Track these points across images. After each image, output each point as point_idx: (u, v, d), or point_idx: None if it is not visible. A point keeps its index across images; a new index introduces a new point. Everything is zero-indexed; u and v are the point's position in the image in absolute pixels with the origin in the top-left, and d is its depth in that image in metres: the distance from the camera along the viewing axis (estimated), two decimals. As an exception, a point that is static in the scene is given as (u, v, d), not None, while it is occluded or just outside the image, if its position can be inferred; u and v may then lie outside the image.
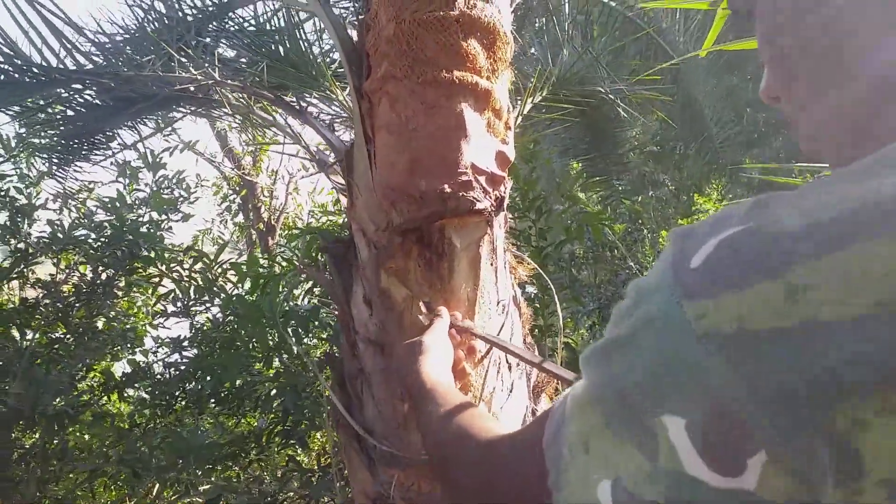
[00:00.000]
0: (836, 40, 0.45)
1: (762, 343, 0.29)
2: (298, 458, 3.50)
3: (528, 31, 2.58)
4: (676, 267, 0.34)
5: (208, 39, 2.38)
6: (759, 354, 0.29)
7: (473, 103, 1.25)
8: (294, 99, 1.74)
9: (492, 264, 1.33)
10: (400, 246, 1.28)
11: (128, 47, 2.30)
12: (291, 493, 3.47)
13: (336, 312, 1.47)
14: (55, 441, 3.25)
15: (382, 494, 1.21)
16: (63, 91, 2.24)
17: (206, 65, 1.81)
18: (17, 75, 2.13)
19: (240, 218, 6.20)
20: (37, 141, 3.34)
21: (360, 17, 1.39)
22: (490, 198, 1.28)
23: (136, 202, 3.62)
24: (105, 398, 3.73)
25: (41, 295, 3.65)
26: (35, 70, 2.07)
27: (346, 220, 3.18)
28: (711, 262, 0.33)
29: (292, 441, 3.39)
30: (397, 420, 1.25)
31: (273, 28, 2.29)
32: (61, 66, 2.08)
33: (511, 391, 1.28)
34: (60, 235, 3.49)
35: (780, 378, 0.29)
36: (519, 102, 1.78)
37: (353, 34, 1.43)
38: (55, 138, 2.95)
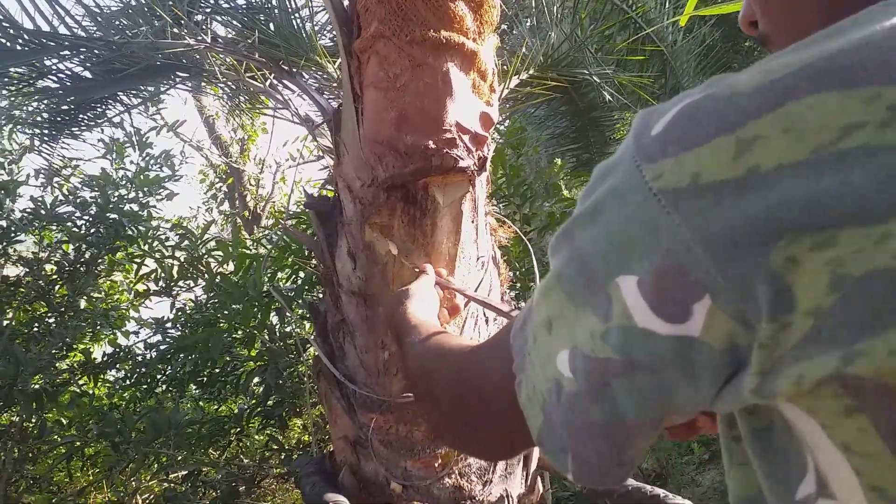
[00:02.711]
0: None
1: (712, 193, 0.31)
2: (278, 437, 3.50)
3: (517, 9, 2.62)
4: (637, 137, 0.36)
5: (200, 17, 2.40)
6: (709, 204, 0.31)
7: (460, 63, 1.29)
8: (286, 67, 1.78)
9: (473, 222, 1.37)
10: (385, 202, 1.32)
11: (120, 18, 2.31)
12: (270, 475, 3.49)
13: (319, 268, 1.50)
14: (34, 419, 3.24)
15: (361, 438, 1.24)
16: (53, 59, 2.25)
17: (199, 34, 1.84)
18: (5, 41, 2.14)
19: (225, 206, 6.21)
20: (19, 113, 3.33)
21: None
22: (473, 157, 1.32)
23: (122, 180, 3.62)
24: (84, 378, 3.72)
25: (23, 273, 3.64)
26: (26, 36, 2.08)
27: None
28: (670, 126, 0.34)
29: (272, 422, 3.40)
30: (378, 367, 1.29)
31: (265, 3, 2.31)
32: (51, 32, 2.09)
33: (489, 342, 1.33)
34: (43, 212, 3.48)
35: (725, 223, 0.31)
36: (506, 77, 1.82)
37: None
38: (42, 113, 2.93)
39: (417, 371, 0.72)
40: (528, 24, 2.21)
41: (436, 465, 1.26)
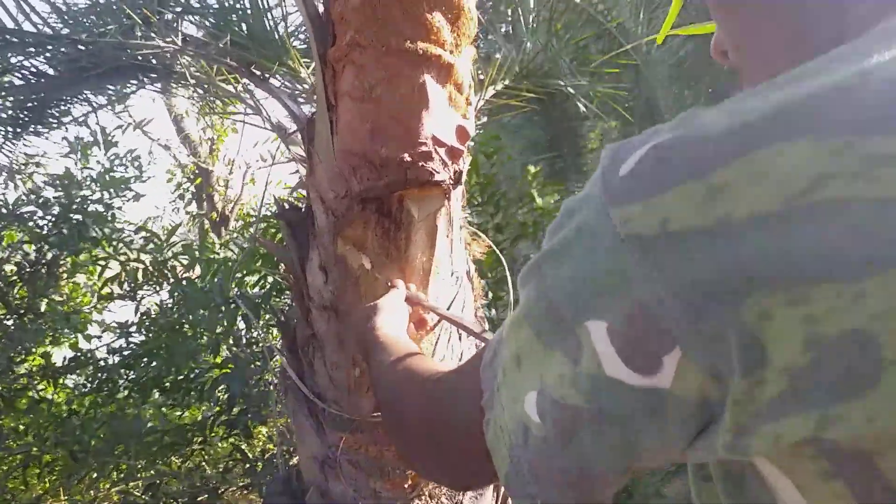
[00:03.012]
0: None
1: (682, 241, 0.30)
2: (242, 447, 3.44)
3: (493, 17, 2.61)
4: (605, 177, 0.35)
5: (170, 16, 2.35)
6: (679, 252, 0.30)
7: (436, 75, 1.27)
8: (258, 72, 1.74)
9: (448, 236, 1.35)
10: (359, 214, 1.29)
11: (89, 16, 2.25)
12: (234, 486, 3.42)
13: (288, 281, 1.47)
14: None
15: (329, 458, 1.21)
16: (17, 56, 2.18)
17: (170, 35, 1.79)
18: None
19: (193, 207, 6.10)
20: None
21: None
22: (449, 170, 1.30)
23: (86, 179, 3.53)
24: (43, 384, 3.61)
25: (-20, 272, 3.53)
26: (-11, 31, 2.01)
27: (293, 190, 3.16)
28: (638, 168, 0.33)
29: (236, 431, 3.34)
30: (348, 385, 1.26)
31: (237, 4, 2.27)
32: (16, 28, 2.02)
33: (461, 359, 1.30)
34: (4, 211, 3.38)
35: (696, 274, 0.30)
36: (482, 88, 1.81)
37: (320, 5, 1.44)
38: (6, 110, 2.84)
39: (385, 394, 0.71)
40: (502, 30, 2.21)
41: (406, 486, 1.23)
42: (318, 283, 1.35)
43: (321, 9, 1.40)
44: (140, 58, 1.96)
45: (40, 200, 3.46)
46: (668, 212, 0.31)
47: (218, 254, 3.66)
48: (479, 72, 1.91)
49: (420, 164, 1.25)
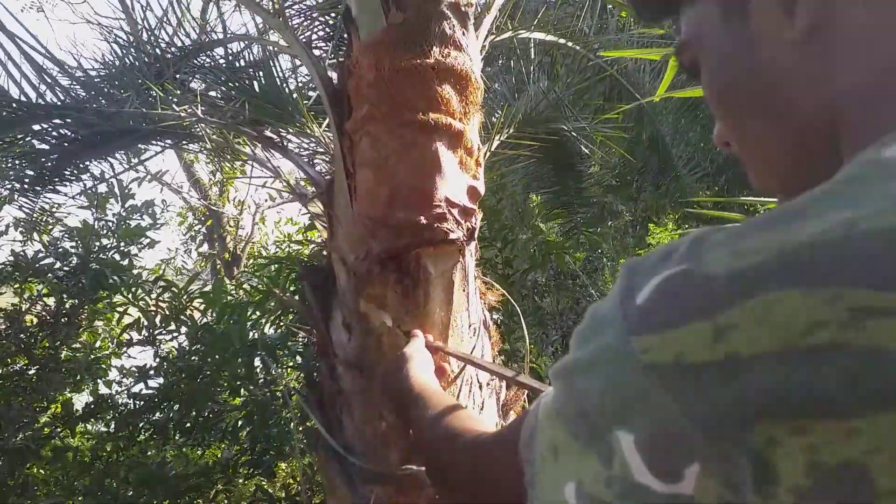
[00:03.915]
0: (767, 84, 0.50)
1: (695, 374, 0.35)
2: (265, 487, 3.48)
3: (493, 67, 2.70)
4: (624, 303, 0.40)
5: (184, 75, 2.44)
6: (693, 383, 0.35)
7: (447, 143, 1.35)
8: (274, 135, 1.83)
9: (464, 290, 1.42)
10: (379, 274, 1.36)
11: (107, 83, 2.35)
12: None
13: (313, 338, 1.54)
14: (16, 475, 3.19)
15: (362, 509, 1.27)
16: (42, 125, 2.28)
17: (188, 103, 1.88)
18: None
19: (204, 248, 6.19)
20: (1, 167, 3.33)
21: (339, 59, 1.49)
22: (462, 228, 1.38)
23: (103, 230, 3.62)
24: (66, 431, 3.66)
25: (3, 326, 3.60)
26: (14, 105, 2.11)
27: (312, 249, 3.23)
28: (652, 301, 0.38)
29: (258, 471, 3.39)
30: (376, 438, 1.33)
31: (249, 65, 2.37)
32: (41, 102, 2.12)
33: (482, 409, 1.37)
34: (23, 264, 3.46)
35: (709, 403, 0.35)
36: (488, 139, 1.89)
37: (333, 75, 1.53)
38: (25, 169, 2.94)
39: (429, 452, 0.76)
40: (508, 85, 2.29)
41: (436, 534, 1.29)
42: (343, 341, 1.42)
43: (335, 79, 1.49)
44: (159, 123, 2.05)
45: (59, 251, 3.54)
46: (682, 346, 0.36)
47: (232, 296, 3.73)
48: (484, 124, 2.00)
49: (435, 225, 1.33)
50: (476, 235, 1.45)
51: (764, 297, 0.34)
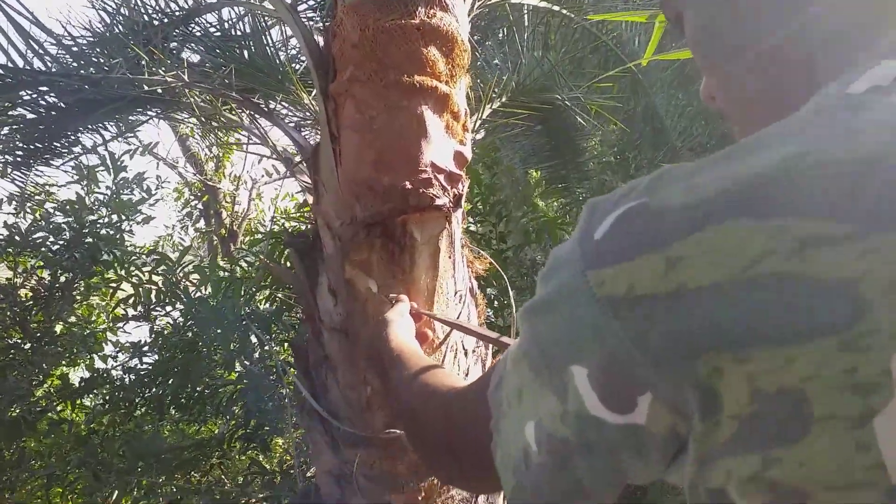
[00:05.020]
0: (744, 24, 0.51)
1: (645, 306, 0.36)
2: (261, 462, 3.50)
3: (492, 41, 2.66)
4: (582, 240, 0.41)
5: (175, 44, 2.41)
6: (643, 315, 0.36)
7: (433, 106, 1.33)
8: (262, 102, 1.81)
9: (450, 257, 1.41)
10: (364, 239, 1.35)
11: (96, 49, 2.32)
12: (253, 499, 3.48)
13: (301, 306, 1.53)
14: (12, 448, 3.21)
15: (345, 473, 1.27)
16: (29, 93, 2.25)
17: (176, 69, 1.86)
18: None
19: (201, 224, 6.18)
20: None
21: (325, 24, 1.46)
22: (448, 195, 1.36)
23: (96, 204, 3.60)
24: (62, 405, 3.68)
25: (-3, 299, 3.60)
26: (1, 71, 2.08)
27: (310, 221, 3.22)
28: (609, 235, 0.39)
29: (254, 445, 3.40)
30: (360, 403, 1.32)
31: (239, 34, 2.34)
32: (28, 68, 2.09)
33: (467, 375, 1.36)
34: (18, 238, 3.46)
35: (658, 335, 0.35)
36: (481, 107, 1.87)
37: (320, 40, 1.50)
38: (16, 142, 2.91)
39: (406, 408, 0.76)
40: (499, 52, 2.26)
41: (419, 498, 1.29)
42: (329, 307, 1.41)
43: (321, 43, 1.47)
44: (147, 88, 2.03)
45: (51, 226, 3.53)
46: (634, 278, 0.36)
47: (227, 271, 3.72)
48: (477, 90, 1.97)
49: (421, 190, 1.31)
50: (462, 202, 1.43)
51: (714, 228, 0.34)
